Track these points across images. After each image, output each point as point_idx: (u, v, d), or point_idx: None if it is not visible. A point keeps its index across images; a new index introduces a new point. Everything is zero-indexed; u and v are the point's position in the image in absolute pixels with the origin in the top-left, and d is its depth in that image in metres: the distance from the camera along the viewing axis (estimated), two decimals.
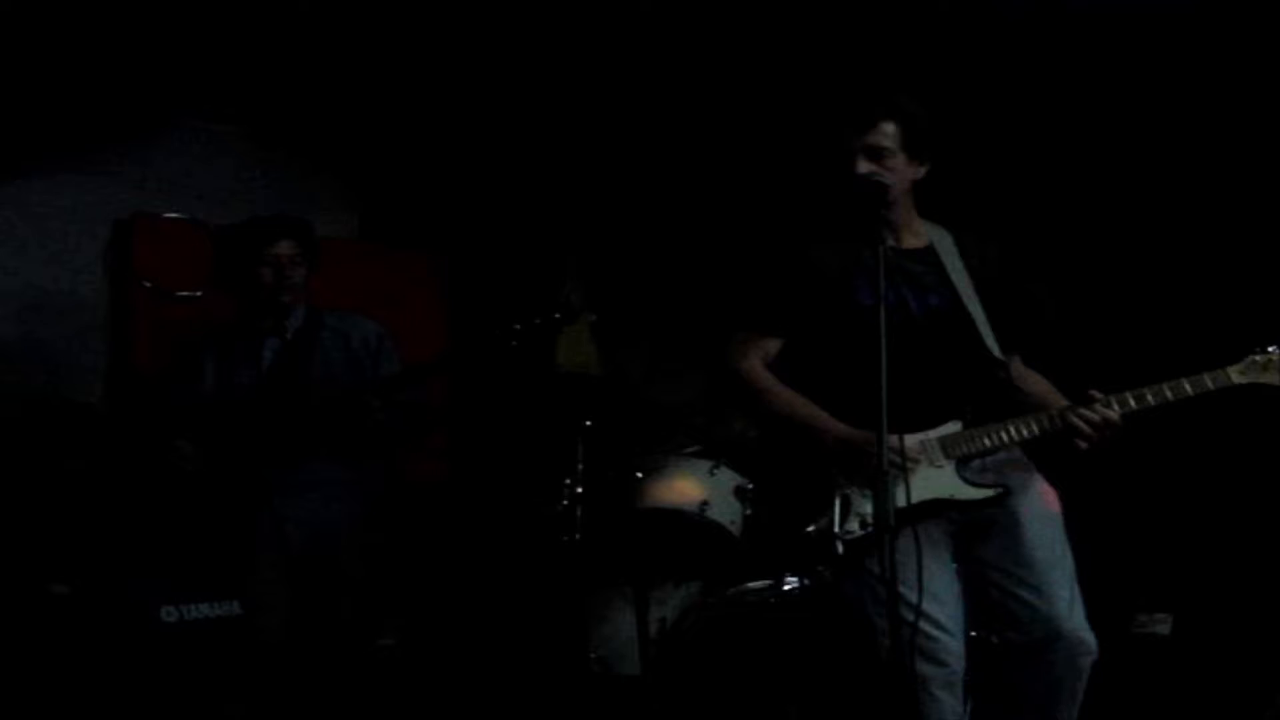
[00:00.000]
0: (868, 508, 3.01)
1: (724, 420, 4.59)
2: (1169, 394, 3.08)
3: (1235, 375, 3.11)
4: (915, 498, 2.96)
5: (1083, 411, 3.08)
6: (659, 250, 5.55)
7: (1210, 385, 3.09)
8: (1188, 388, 3.08)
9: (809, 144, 3.29)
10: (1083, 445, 3.09)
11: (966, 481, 3.13)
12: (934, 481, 3.10)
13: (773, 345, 3.28)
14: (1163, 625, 4.49)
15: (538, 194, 5.71)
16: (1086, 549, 3.25)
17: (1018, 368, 3.37)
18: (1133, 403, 3.08)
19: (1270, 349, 3.12)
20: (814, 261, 3.25)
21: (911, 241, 3.30)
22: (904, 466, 2.96)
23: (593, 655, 4.22)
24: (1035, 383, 3.36)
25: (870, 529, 2.96)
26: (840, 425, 3.11)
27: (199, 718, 3.56)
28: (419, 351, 4.42)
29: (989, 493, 3.13)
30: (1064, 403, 3.20)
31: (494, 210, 5.77)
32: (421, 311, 5.50)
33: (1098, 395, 3.11)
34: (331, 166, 5.65)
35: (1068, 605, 3.11)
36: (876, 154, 3.17)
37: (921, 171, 3.26)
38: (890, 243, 3.18)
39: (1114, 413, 3.08)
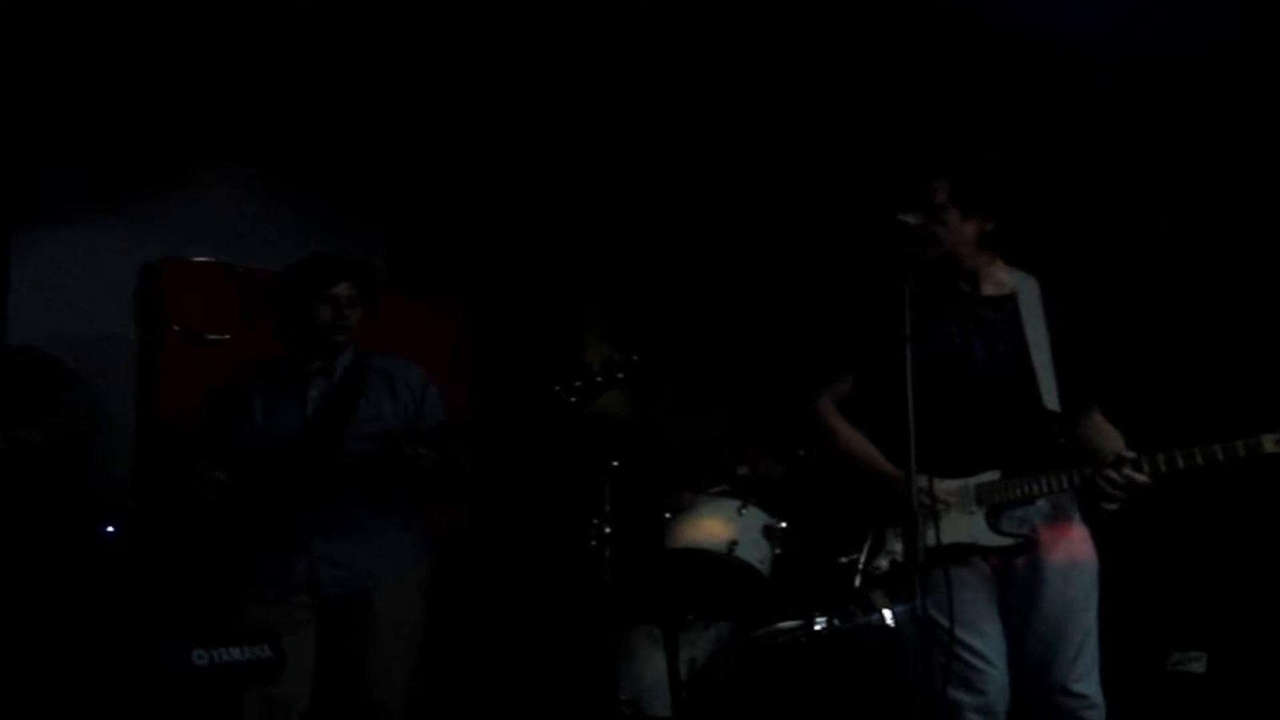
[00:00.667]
0: (898, 546, 3.17)
1: (752, 459, 4.59)
2: (1199, 459, 3.08)
3: (1270, 445, 3.05)
4: (943, 540, 3.05)
5: (1108, 473, 3.11)
6: (683, 290, 5.56)
7: (1242, 453, 3.06)
8: (1219, 454, 3.07)
9: (852, 188, 3.34)
10: (1109, 506, 3.13)
11: (992, 529, 3.19)
12: (961, 526, 3.18)
13: (844, 385, 3.43)
14: (1197, 663, 4.45)
15: (559, 238, 5.73)
16: (1121, 587, 3.26)
17: (1095, 420, 3.38)
18: (1163, 465, 3.10)
19: None
20: (881, 304, 3.25)
21: (990, 289, 3.36)
22: (934, 509, 3.06)
23: (623, 698, 4.20)
24: (1105, 437, 3.35)
25: (897, 565, 3.14)
26: (888, 465, 3.23)
27: None
28: (445, 397, 4.42)
29: (1009, 541, 3.20)
30: (1114, 447, 3.22)
31: (513, 255, 5.79)
32: (446, 358, 5.51)
33: (1128, 455, 3.13)
34: (357, 211, 5.68)
35: (1068, 663, 3.18)
36: (927, 208, 3.22)
37: (985, 224, 3.29)
38: (966, 289, 3.31)
39: (1143, 475, 3.10)
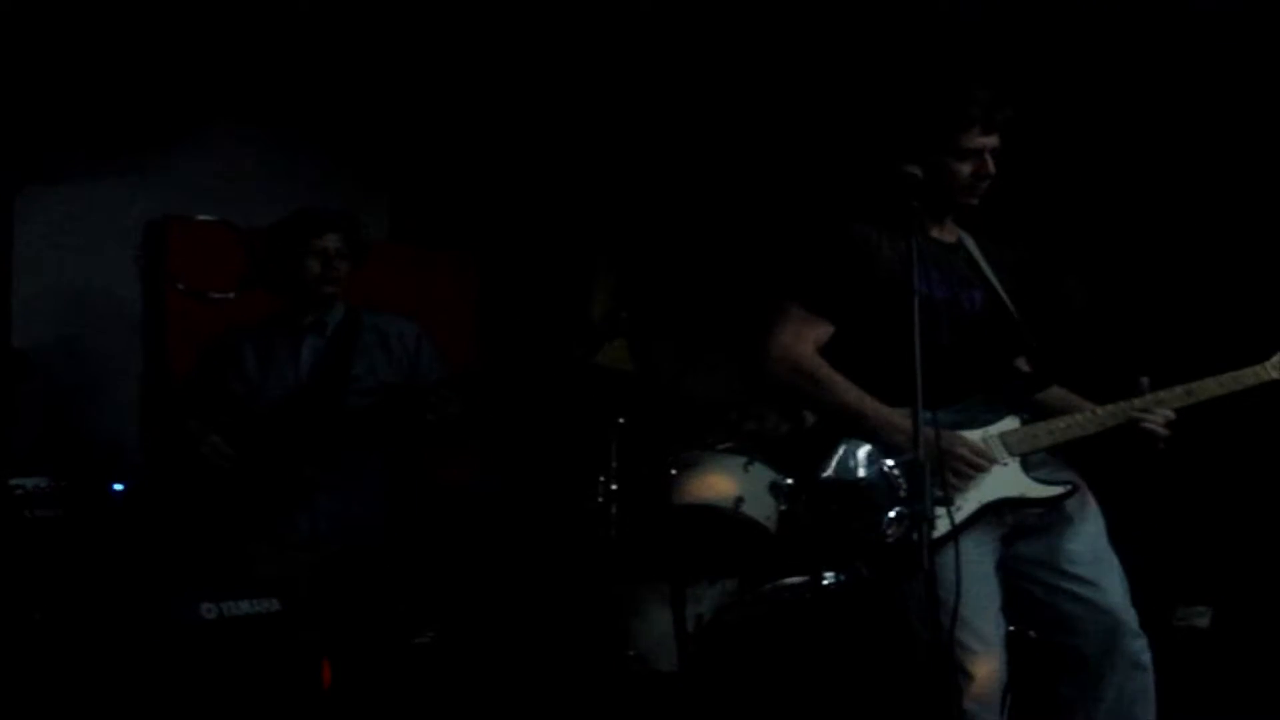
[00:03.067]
0: (939, 508, 2.84)
1: (758, 415, 4.58)
2: (1216, 389, 3.09)
3: (1272, 371, 3.13)
4: (986, 498, 2.95)
5: (1155, 409, 3.05)
6: (690, 245, 5.54)
7: (1252, 381, 3.12)
8: (1229, 384, 3.09)
9: (857, 134, 3.26)
10: (1159, 443, 3.06)
11: (1036, 479, 3.06)
12: (1002, 481, 3.03)
13: (826, 331, 3.13)
14: (1202, 618, 4.47)
15: (566, 191, 5.71)
16: (1126, 542, 3.21)
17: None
18: (1183, 398, 3.07)
19: None
20: (873, 246, 3.14)
21: (947, 237, 3.26)
22: (977, 464, 2.96)
23: (630, 652, 4.21)
24: (1070, 396, 3.29)
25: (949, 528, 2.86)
26: (908, 421, 2.86)
27: (237, 714, 3.57)
28: (449, 351, 4.43)
29: (1059, 490, 3.05)
30: (1088, 405, 3.16)
31: (522, 208, 5.78)
32: (451, 311, 5.51)
33: (1146, 382, 3.09)
34: (361, 166, 5.67)
35: (1123, 600, 3.05)
36: (993, 155, 3.11)
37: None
38: (933, 235, 3.18)
39: (1170, 412, 3.06)
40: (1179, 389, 3.09)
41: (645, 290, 5.53)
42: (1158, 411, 3.06)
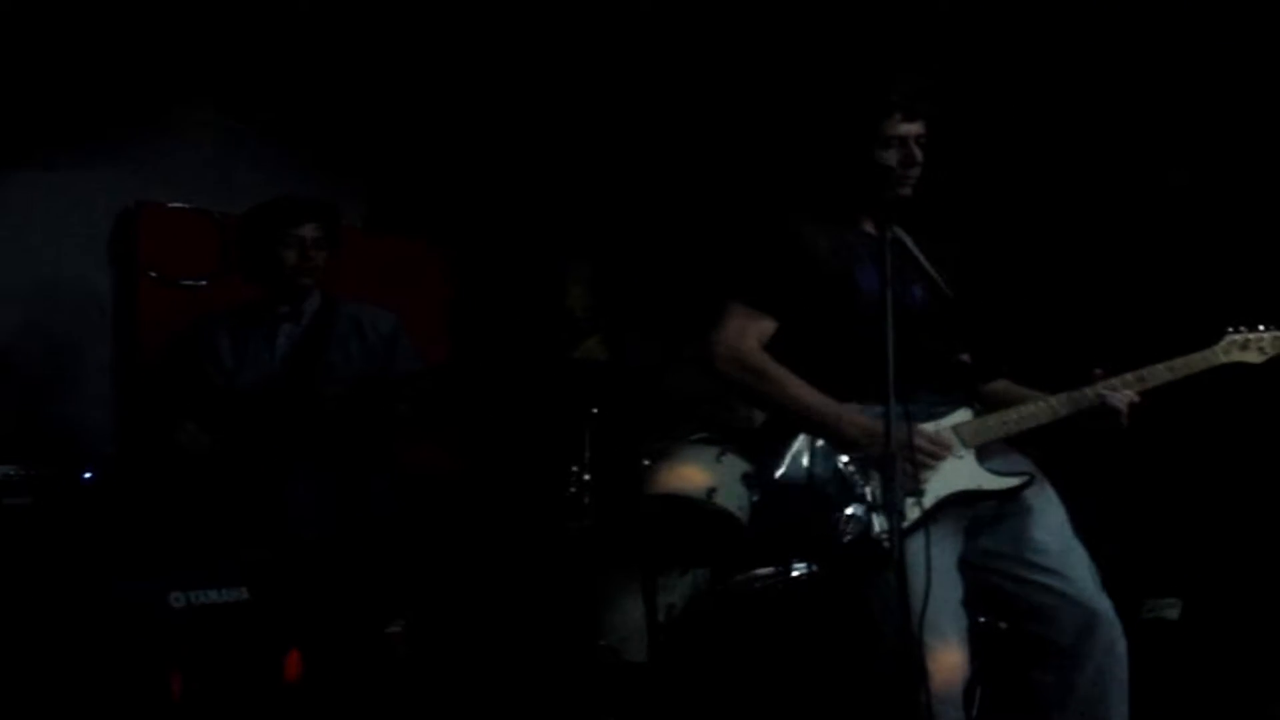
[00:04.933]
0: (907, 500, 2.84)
1: (731, 407, 4.58)
2: (1167, 374, 3.10)
3: (1221, 355, 3.16)
4: (942, 491, 2.93)
5: (1116, 392, 3.05)
6: (665, 237, 5.54)
7: (1202, 365, 3.14)
8: (1180, 369, 3.11)
9: (821, 124, 3.23)
10: (1121, 420, 3.05)
11: (991, 471, 3.04)
12: (957, 473, 3.00)
13: (769, 327, 3.10)
14: (1172, 610, 4.48)
15: (543, 182, 5.70)
16: (1094, 533, 3.21)
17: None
18: (1165, 374, 3.09)
19: (1243, 329, 3.17)
20: (811, 241, 3.13)
21: (872, 230, 3.17)
22: (935, 456, 2.94)
23: (601, 642, 4.22)
24: (997, 380, 3.29)
25: (916, 518, 2.86)
26: (861, 416, 2.94)
27: (207, 703, 3.56)
28: (423, 341, 4.42)
29: (1016, 481, 3.03)
30: (1038, 395, 3.14)
31: (498, 199, 5.76)
32: (425, 301, 5.50)
33: (1100, 373, 3.09)
34: (335, 155, 5.64)
35: (1095, 588, 3.03)
36: (919, 143, 3.09)
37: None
38: (866, 229, 3.15)
39: (1132, 393, 3.06)
40: (1130, 375, 3.09)
41: (620, 282, 5.53)
42: (1122, 390, 3.07)
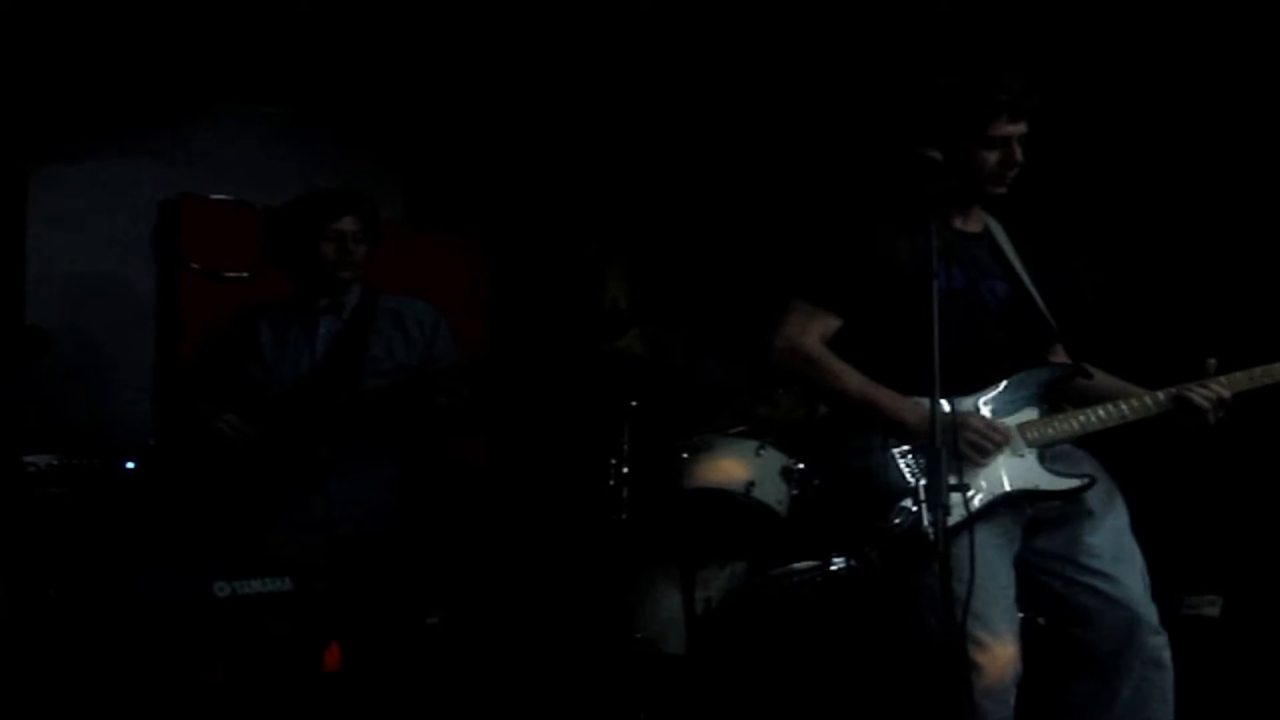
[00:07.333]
0: (955, 495, 2.76)
1: (771, 400, 4.59)
2: (1247, 382, 3.07)
3: None
4: (1000, 489, 2.92)
5: (1207, 389, 3.02)
6: (704, 230, 5.54)
7: None
8: (1260, 377, 3.07)
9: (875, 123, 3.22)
10: (1205, 424, 3.03)
11: (1052, 472, 3.02)
12: (1018, 472, 2.99)
13: (834, 324, 3.10)
14: (1212, 607, 4.45)
15: (580, 175, 5.71)
16: (1136, 531, 3.19)
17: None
18: (1245, 383, 3.05)
19: None
20: (883, 240, 3.11)
21: (971, 226, 3.22)
22: (998, 443, 2.93)
23: (638, 635, 4.22)
24: (1098, 374, 3.23)
25: (964, 516, 2.82)
26: (921, 406, 2.86)
27: (249, 692, 3.59)
28: (462, 334, 4.43)
29: (1076, 483, 3.01)
30: (1136, 390, 3.11)
31: (536, 192, 5.77)
32: (464, 294, 5.51)
33: (1213, 364, 3.06)
34: (375, 148, 5.66)
35: (1143, 595, 3.02)
36: (1020, 143, 3.07)
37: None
38: (955, 225, 3.15)
39: (1227, 391, 3.04)
40: (1239, 374, 3.06)
41: (658, 275, 5.53)
42: (1211, 387, 3.04)
